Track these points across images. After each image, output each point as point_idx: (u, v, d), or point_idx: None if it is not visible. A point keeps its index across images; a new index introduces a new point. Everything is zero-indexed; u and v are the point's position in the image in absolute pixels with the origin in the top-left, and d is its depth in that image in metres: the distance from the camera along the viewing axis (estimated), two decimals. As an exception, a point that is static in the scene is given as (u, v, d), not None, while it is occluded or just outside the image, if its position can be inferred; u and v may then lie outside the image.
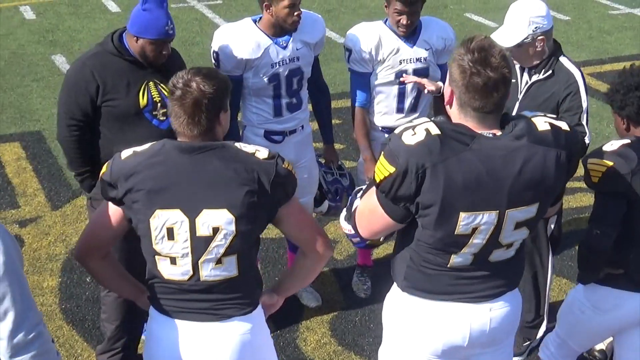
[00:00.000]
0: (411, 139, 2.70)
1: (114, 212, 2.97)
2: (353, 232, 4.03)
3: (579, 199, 6.17)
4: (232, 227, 2.86)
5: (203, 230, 2.85)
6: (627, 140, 3.32)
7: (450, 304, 2.94)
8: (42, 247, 5.62)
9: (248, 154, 2.90)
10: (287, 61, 4.40)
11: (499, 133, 2.76)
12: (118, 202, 2.91)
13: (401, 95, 4.62)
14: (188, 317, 2.98)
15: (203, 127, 2.87)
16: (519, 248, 2.96)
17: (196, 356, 2.98)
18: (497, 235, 2.81)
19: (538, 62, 4.17)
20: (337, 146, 5.20)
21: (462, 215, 2.73)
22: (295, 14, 4.28)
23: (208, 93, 2.84)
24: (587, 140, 4.09)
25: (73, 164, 4.10)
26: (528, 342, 4.58)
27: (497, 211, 2.76)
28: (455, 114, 2.81)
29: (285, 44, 4.39)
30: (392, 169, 2.70)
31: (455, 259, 2.86)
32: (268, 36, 4.36)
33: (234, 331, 2.99)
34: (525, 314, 4.24)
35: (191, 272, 2.91)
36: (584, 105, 4.10)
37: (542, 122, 2.81)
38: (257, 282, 3.10)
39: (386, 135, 4.68)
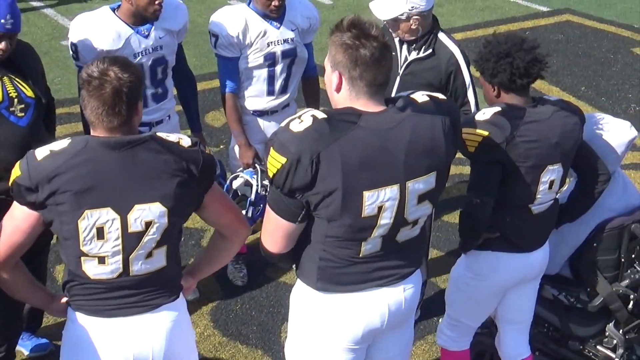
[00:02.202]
0: (299, 126, 2.68)
1: (28, 216, 2.80)
2: None
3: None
4: (165, 220, 2.81)
5: (135, 226, 2.77)
6: (498, 108, 3.40)
7: (367, 292, 2.94)
8: None
9: (174, 143, 2.84)
10: (150, 50, 4.25)
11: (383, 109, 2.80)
12: (38, 206, 2.75)
13: (271, 78, 4.58)
14: (116, 313, 2.89)
15: (123, 117, 2.76)
16: (422, 226, 2.99)
17: (130, 351, 2.90)
18: (402, 212, 2.83)
19: (413, 38, 4.26)
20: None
21: (366, 194, 2.73)
22: (157, 2, 4.12)
23: (127, 82, 2.73)
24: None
25: None
26: None
27: (398, 184, 2.77)
28: (345, 97, 2.79)
29: (147, 33, 4.23)
30: (283, 160, 2.67)
31: (365, 247, 2.86)
32: (128, 25, 4.19)
33: (165, 319, 2.95)
34: None
35: (121, 269, 2.83)
36: (467, 80, 4.26)
37: (420, 95, 2.89)
38: (180, 268, 3.07)
39: (258, 119, 4.68)
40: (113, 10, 4.23)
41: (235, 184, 4.35)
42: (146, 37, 4.23)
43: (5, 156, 3.63)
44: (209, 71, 8.17)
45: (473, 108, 4.27)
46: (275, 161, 2.69)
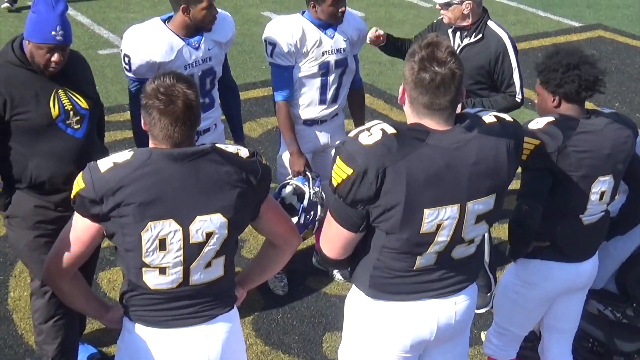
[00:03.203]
0: (368, 139, 2.71)
1: (89, 228, 2.82)
2: None
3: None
4: (225, 230, 2.84)
5: (196, 237, 2.80)
6: (552, 118, 3.45)
7: (418, 302, 2.97)
8: None
9: (233, 154, 2.87)
10: (200, 62, 4.31)
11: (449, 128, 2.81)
12: (101, 218, 2.76)
13: (324, 87, 4.66)
14: (174, 324, 2.93)
15: (192, 130, 2.81)
16: (479, 244, 3.02)
17: None
18: (459, 231, 2.86)
19: (465, 24, 4.60)
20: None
21: (426, 212, 2.76)
22: (213, 14, 4.20)
23: (194, 97, 2.77)
24: (518, 98, 4.60)
25: None
26: (489, 293, 4.93)
27: (459, 204, 2.80)
28: (408, 112, 2.85)
29: (197, 45, 4.29)
30: (350, 171, 2.70)
31: (420, 261, 2.89)
32: (180, 37, 4.24)
33: (220, 330, 2.99)
34: None
35: (181, 279, 2.86)
36: (514, 63, 4.58)
37: (487, 116, 2.90)
38: (234, 278, 3.11)
39: (309, 128, 4.78)
40: (164, 21, 4.29)
41: (284, 192, 4.41)
42: (196, 48, 4.29)
43: (64, 168, 3.70)
44: (243, 82, 8.27)
45: (518, 89, 4.59)
46: (341, 171, 2.73)
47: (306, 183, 4.41)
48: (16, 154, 3.73)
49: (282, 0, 11.28)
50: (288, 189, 4.43)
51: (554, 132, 3.39)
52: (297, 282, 5.22)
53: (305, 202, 4.33)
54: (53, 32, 3.59)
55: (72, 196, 2.82)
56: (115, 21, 10.15)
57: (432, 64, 2.70)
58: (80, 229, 2.85)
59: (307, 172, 4.53)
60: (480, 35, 4.59)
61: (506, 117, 2.95)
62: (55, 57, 3.64)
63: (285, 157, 4.74)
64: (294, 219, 4.27)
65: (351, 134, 2.78)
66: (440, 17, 4.76)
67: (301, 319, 4.92)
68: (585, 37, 10.26)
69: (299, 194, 4.42)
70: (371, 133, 2.72)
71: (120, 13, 10.50)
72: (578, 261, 3.63)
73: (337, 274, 5.25)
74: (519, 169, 3.21)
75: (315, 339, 4.76)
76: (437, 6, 4.64)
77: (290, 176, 4.59)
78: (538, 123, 3.44)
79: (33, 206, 3.79)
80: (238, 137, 4.85)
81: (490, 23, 4.64)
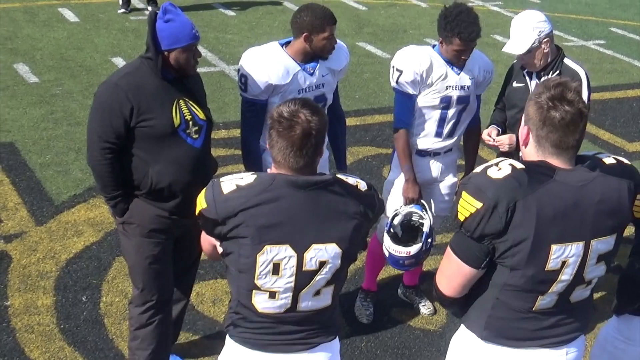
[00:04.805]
0: (498, 173, 2.75)
1: (212, 242, 2.98)
2: (403, 254, 4.22)
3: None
4: (338, 261, 2.89)
5: (310, 264, 2.85)
6: None
7: (531, 350, 2.98)
8: (31, 263, 5.47)
9: (353, 186, 2.92)
10: (314, 87, 4.42)
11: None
12: (222, 237, 2.85)
13: (442, 120, 4.70)
14: (277, 349, 2.98)
15: (308, 159, 2.84)
16: (592, 288, 3.02)
17: None
18: (582, 270, 2.88)
19: (545, 63, 4.64)
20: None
21: (554, 247, 2.79)
22: (332, 44, 4.32)
23: (316, 125, 2.81)
24: None
25: (106, 188, 3.94)
26: None
27: (584, 242, 2.83)
28: (532, 153, 2.87)
29: (312, 70, 4.40)
30: (479, 205, 2.73)
31: (541, 302, 2.90)
32: (296, 62, 4.35)
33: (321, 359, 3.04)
34: None
35: (289, 305, 2.91)
36: (584, 98, 4.49)
37: (606, 157, 2.95)
38: (338, 308, 3.14)
39: (420, 159, 4.78)
40: (281, 45, 4.41)
41: (396, 220, 4.48)
42: (311, 74, 4.39)
43: (183, 177, 3.85)
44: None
45: None
46: (469, 205, 2.75)
47: (423, 210, 4.47)
48: (138, 161, 3.88)
49: (376, 32, 11.39)
50: (399, 218, 4.50)
51: None
52: (382, 312, 5.25)
53: (428, 228, 4.40)
54: (193, 30, 3.83)
55: (196, 213, 2.91)
56: (213, 41, 10.38)
57: (562, 103, 2.75)
58: (206, 241, 3.02)
59: (422, 200, 4.59)
60: (557, 72, 4.63)
61: (623, 159, 2.99)
62: (198, 54, 3.89)
63: (397, 182, 4.78)
64: (417, 246, 4.35)
65: (477, 170, 2.83)
66: (513, 63, 4.85)
67: (385, 348, 4.94)
68: (681, 90, 10.12)
69: (401, 222, 4.49)
70: (500, 167, 2.77)
71: (219, 33, 10.74)
72: None
73: (422, 308, 5.27)
74: (631, 226, 3.22)
75: (398, 370, 4.79)
76: (516, 58, 4.71)
77: (401, 204, 4.64)
78: None
79: (149, 214, 3.93)
80: (341, 166, 4.91)
81: (566, 60, 4.70)
